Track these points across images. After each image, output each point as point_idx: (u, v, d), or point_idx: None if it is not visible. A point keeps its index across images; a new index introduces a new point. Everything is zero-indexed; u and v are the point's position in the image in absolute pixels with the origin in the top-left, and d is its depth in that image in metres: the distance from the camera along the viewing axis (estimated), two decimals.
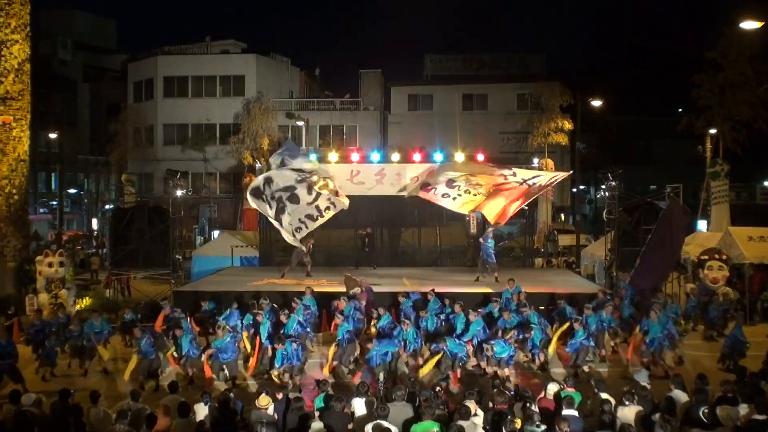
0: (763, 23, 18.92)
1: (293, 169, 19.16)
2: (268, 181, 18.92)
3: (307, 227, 19.17)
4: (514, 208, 19.21)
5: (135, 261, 20.12)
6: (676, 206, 18.32)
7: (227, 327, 13.53)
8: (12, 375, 12.76)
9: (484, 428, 8.36)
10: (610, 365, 14.30)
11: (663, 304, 15.69)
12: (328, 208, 19.26)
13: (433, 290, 16.18)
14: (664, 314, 14.23)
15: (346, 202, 19.35)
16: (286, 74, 44.50)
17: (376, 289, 17.60)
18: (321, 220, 19.32)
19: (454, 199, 19.78)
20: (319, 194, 19.14)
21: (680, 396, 9.42)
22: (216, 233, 36.53)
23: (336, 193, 19.26)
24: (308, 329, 14.92)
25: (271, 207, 18.69)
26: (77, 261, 29.48)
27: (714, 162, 26.98)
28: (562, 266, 26.80)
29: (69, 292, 19.98)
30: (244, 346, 14.10)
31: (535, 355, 14.05)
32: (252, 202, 19.20)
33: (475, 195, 19.61)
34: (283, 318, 14.54)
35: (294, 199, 18.99)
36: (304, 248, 20.08)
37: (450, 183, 19.58)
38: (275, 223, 19.06)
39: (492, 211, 19.36)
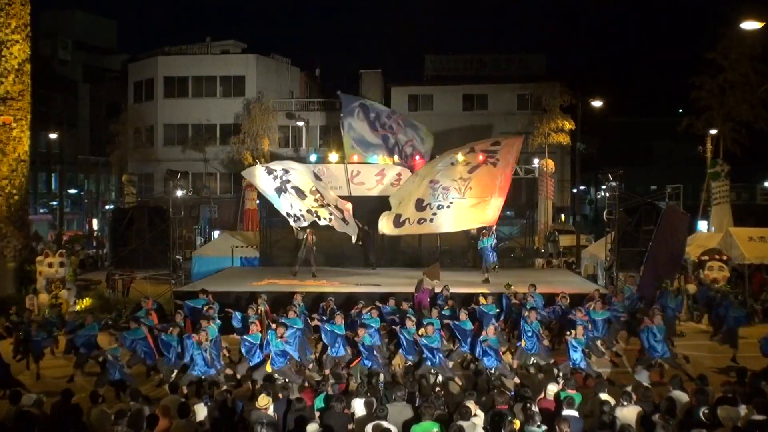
0: (763, 24, 18.90)
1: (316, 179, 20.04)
2: (287, 171, 19.45)
3: (304, 220, 19.62)
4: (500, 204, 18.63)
5: (135, 261, 20.12)
6: (674, 210, 18.27)
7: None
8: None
9: (484, 429, 8.35)
10: (611, 366, 14.28)
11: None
12: (326, 219, 19.57)
13: (446, 286, 16.06)
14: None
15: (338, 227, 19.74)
16: (286, 74, 44.45)
17: (376, 289, 17.54)
18: (319, 220, 19.62)
19: (447, 207, 18.56)
20: (324, 205, 19.49)
21: (680, 396, 9.41)
22: (216, 233, 36.51)
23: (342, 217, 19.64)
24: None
25: (274, 181, 19.37)
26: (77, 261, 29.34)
27: (714, 162, 26.94)
28: (562, 267, 26.79)
29: (69, 292, 19.98)
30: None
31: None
32: (250, 176, 20.16)
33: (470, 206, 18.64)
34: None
35: (301, 195, 19.42)
36: (304, 237, 20.52)
37: (444, 189, 18.65)
38: (270, 195, 19.76)
39: (484, 216, 18.73)
